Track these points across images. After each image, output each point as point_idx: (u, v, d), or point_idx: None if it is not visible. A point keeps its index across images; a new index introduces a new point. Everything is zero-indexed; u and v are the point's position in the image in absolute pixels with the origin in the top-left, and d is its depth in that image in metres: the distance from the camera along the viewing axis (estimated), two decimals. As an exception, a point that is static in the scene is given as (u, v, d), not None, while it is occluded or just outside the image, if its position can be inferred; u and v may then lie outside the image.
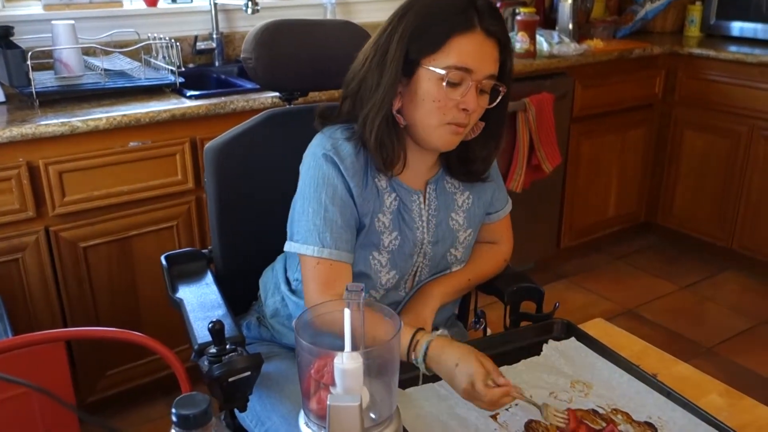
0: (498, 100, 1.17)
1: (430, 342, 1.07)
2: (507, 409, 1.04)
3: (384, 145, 1.16)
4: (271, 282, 1.36)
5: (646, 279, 3.21)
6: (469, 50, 1.11)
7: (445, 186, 1.29)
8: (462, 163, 1.27)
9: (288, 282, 1.31)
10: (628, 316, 2.89)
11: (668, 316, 2.89)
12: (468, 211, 1.31)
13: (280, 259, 1.37)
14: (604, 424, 1.02)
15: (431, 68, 1.11)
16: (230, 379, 1.01)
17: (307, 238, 1.17)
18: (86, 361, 2.10)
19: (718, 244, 3.26)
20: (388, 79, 1.13)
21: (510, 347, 1.23)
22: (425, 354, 1.07)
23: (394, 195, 1.22)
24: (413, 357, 1.09)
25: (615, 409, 1.05)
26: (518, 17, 2.86)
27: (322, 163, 1.17)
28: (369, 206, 1.20)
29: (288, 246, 1.21)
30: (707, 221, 3.29)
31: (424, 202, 1.25)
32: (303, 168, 1.21)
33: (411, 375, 1.11)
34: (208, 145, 1.40)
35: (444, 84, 1.11)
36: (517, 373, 1.15)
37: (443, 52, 1.11)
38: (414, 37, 1.12)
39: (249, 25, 1.34)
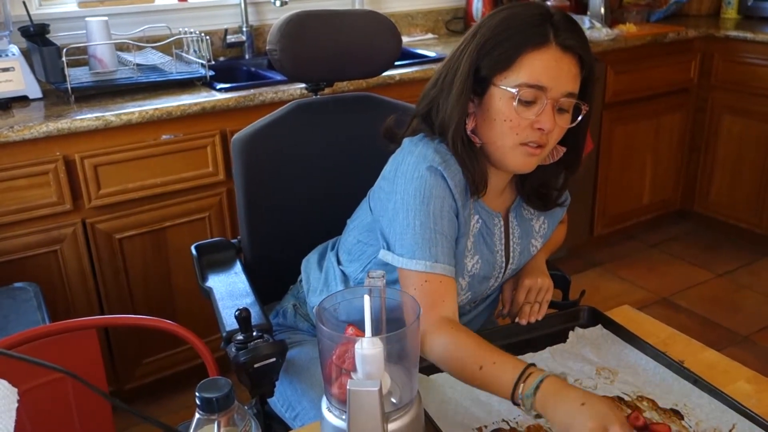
0: (579, 120, 1.10)
1: (545, 377, 0.91)
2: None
3: (467, 167, 1.11)
4: (320, 278, 1.32)
5: (681, 267, 3.16)
6: (543, 66, 1.04)
7: (523, 213, 1.26)
8: (537, 193, 1.23)
9: (347, 282, 1.28)
10: (662, 304, 2.85)
11: (704, 304, 2.84)
12: (544, 236, 1.29)
13: (332, 253, 1.33)
14: (629, 411, 1.01)
15: (502, 86, 1.06)
16: (256, 365, 1.03)
17: (415, 252, 1.08)
18: (123, 350, 2.15)
19: (756, 231, 3.19)
20: (458, 97, 1.09)
21: (536, 334, 1.23)
22: (536, 389, 0.91)
23: (476, 217, 1.17)
24: (519, 391, 0.92)
25: (640, 396, 1.05)
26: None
27: (428, 175, 1.09)
28: (464, 228, 1.14)
29: (390, 258, 1.12)
30: (745, 208, 3.22)
31: (505, 226, 1.23)
32: (398, 175, 1.13)
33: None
34: (235, 136, 1.42)
35: (515, 103, 1.05)
36: (543, 359, 1.15)
37: (515, 69, 1.05)
38: (484, 54, 1.07)
39: (278, 18, 1.35)
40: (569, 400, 0.88)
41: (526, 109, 1.06)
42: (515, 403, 0.94)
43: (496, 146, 1.11)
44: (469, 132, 1.12)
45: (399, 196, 1.11)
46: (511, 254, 1.25)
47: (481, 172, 1.13)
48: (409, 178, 1.11)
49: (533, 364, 0.95)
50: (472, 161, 1.11)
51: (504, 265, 1.24)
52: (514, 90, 1.05)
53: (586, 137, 1.20)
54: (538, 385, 0.90)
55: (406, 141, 1.17)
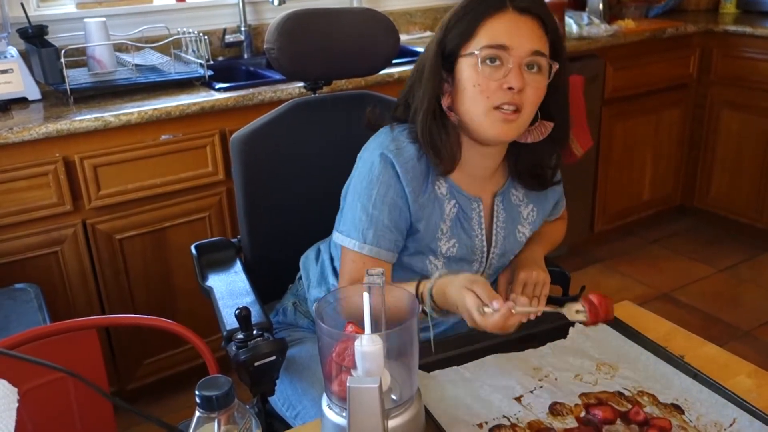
0: (552, 78, 1.14)
1: (431, 291, 1.09)
2: (531, 392, 1.05)
3: (434, 141, 1.15)
4: (316, 272, 1.36)
5: (682, 262, 3.16)
6: (502, 28, 1.10)
7: (511, 198, 1.28)
8: (531, 173, 1.25)
9: (337, 275, 1.31)
10: (663, 299, 2.85)
11: (705, 299, 2.84)
12: (533, 223, 1.31)
13: (325, 248, 1.37)
14: (629, 406, 1.01)
15: (467, 54, 1.12)
16: (256, 364, 1.03)
17: (351, 231, 1.18)
18: (125, 350, 2.16)
19: (757, 226, 3.19)
20: (428, 72, 1.15)
21: (536, 330, 1.22)
22: (434, 303, 1.09)
23: (453, 202, 1.21)
24: (423, 306, 1.10)
25: (641, 391, 1.05)
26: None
27: (378, 162, 1.16)
28: (425, 212, 1.18)
29: (334, 236, 1.22)
30: (745, 203, 3.22)
31: (489, 210, 1.25)
32: (360, 160, 1.21)
33: (435, 358, 1.12)
34: (234, 135, 1.42)
35: (479, 65, 1.10)
36: (543, 356, 1.15)
37: (476, 37, 1.11)
38: (448, 31, 1.14)
39: (276, 17, 1.37)
40: (452, 307, 1.06)
41: (493, 71, 1.10)
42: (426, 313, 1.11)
43: (471, 116, 1.14)
44: (446, 108, 1.16)
45: (354, 180, 1.21)
46: (494, 238, 1.26)
47: (451, 149, 1.17)
48: (364, 163, 1.19)
49: (421, 280, 1.13)
50: (441, 135, 1.15)
51: (486, 248, 1.26)
52: (476, 52, 1.10)
53: (567, 107, 1.21)
54: (432, 300, 1.08)
55: (382, 128, 1.23)
